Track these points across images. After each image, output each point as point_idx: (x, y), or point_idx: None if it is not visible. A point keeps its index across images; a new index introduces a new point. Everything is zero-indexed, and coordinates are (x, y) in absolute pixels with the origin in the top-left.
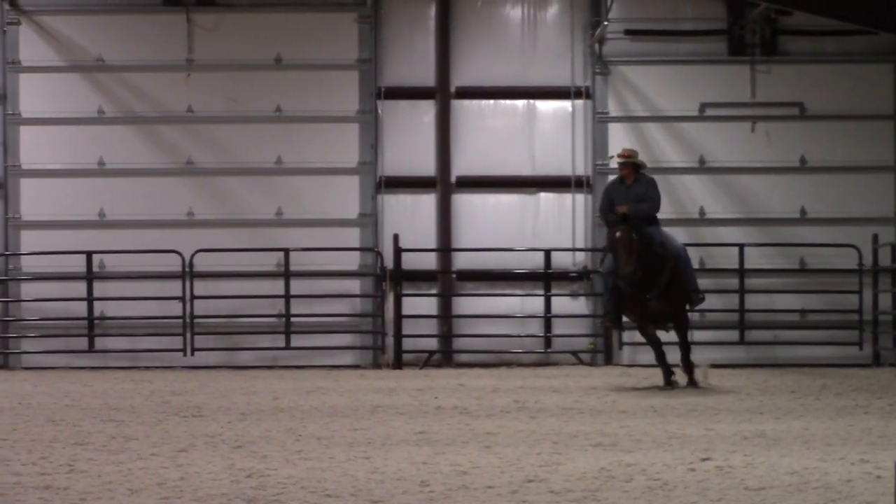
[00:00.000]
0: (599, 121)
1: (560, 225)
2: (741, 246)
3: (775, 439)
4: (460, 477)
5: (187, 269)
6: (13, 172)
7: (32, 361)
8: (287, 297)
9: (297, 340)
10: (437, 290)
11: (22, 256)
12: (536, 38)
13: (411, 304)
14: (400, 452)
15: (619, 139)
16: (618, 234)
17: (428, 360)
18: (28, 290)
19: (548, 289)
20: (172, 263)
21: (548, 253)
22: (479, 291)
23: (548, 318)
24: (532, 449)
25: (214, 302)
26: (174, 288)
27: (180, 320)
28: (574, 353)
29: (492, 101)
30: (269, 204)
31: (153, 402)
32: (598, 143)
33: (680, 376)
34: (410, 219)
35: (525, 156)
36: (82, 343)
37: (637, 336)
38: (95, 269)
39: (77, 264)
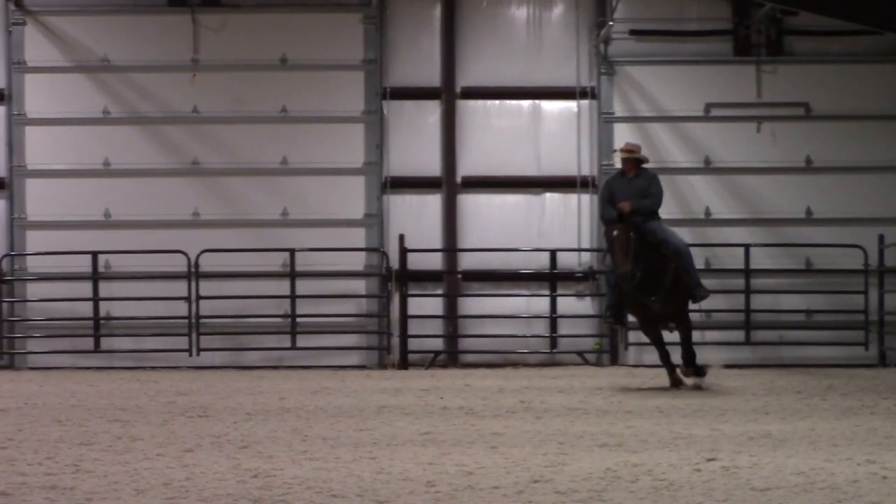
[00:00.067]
0: (605, 121)
1: (566, 225)
2: (747, 246)
3: (781, 440)
4: (466, 477)
5: (193, 270)
6: (19, 173)
7: (38, 361)
8: (293, 297)
9: (302, 341)
10: (442, 290)
11: (27, 257)
12: (542, 39)
13: (417, 305)
14: (406, 453)
15: (624, 139)
16: (615, 232)
17: (433, 361)
18: (33, 290)
19: (553, 289)
20: (178, 264)
21: (553, 253)
22: (484, 292)
23: (553, 318)
24: (538, 449)
25: (220, 302)
26: (180, 288)
27: (186, 320)
28: (580, 353)
29: (497, 102)
30: (275, 204)
31: (159, 403)
32: (604, 144)
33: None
34: (416, 219)
35: (530, 156)
36: (88, 343)
37: (642, 336)
38: (101, 269)
39: (82, 264)
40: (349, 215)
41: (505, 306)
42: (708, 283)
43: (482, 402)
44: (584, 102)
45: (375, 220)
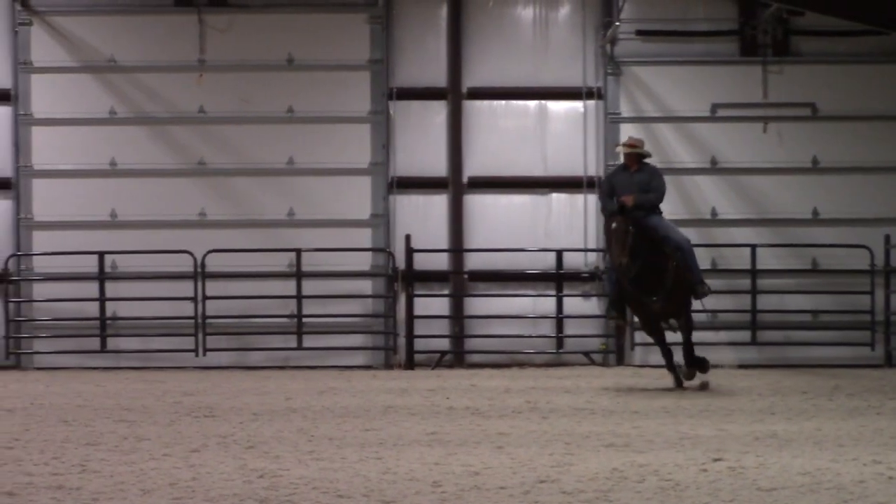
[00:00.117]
0: (611, 121)
1: (572, 225)
2: (753, 246)
3: (787, 440)
4: (472, 477)
5: (199, 270)
6: (25, 173)
7: (44, 362)
8: (299, 297)
9: (308, 341)
10: (448, 290)
11: (34, 257)
12: (548, 39)
13: (423, 305)
14: (412, 453)
15: None
16: (613, 225)
17: (440, 361)
18: (40, 290)
19: (560, 289)
20: (184, 264)
21: (559, 253)
22: (490, 292)
23: (560, 318)
24: (544, 449)
25: (226, 302)
26: (186, 288)
27: (192, 320)
28: (586, 353)
29: (503, 102)
30: (281, 204)
31: (165, 403)
32: (610, 144)
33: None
34: (422, 219)
35: (537, 156)
36: (94, 343)
37: (648, 336)
38: (107, 269)
39: (89, 265)
40: (355, 215)
41: (511, 306)
42: (714, 283)
43: (488, 403)
44: (591, 103)
45: (382, 220)
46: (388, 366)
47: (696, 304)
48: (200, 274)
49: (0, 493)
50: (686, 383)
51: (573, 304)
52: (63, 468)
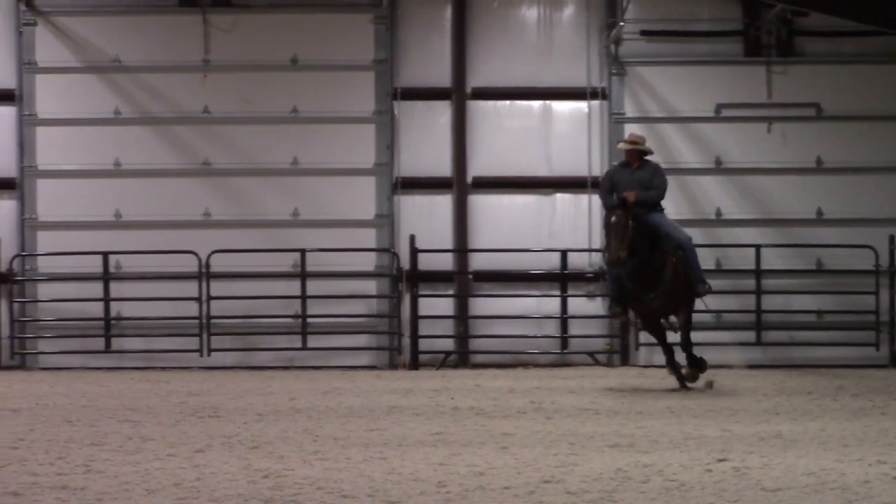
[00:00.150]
0: (615, 121)
1: (576, 225)
2: (757, 247)
3: (792, 440)
4: (477, 478)
5: (203, 270)
6: (29, 173)
7: (49, 362)
8: (303, 297)
9: (313, 341)
10: (453, 290)
11: (38, 257)
12: (552, 39)
13: (428, 305)
14: (416, 453)
15: None
16: (613, 218)
17: (444, 361)
18: (44, 290)
19: (564, 289)
20: (189, 264)
21: (564, 253)
22: (495, 292)
23: (564, 318)
24: (548, 450)
25: (231, 302)
26: (190, 288)
27: (197, 321)
28: (590, 353)
29: (508, 102)
30: (286, 204)
31: (170, 403)
32: (614, 144)
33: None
34: (427, 219)
35: (541, 156)
36: (99, 343)
37: (650, 335)
38: (112, 269)
39: (93, 265)
40: (360, 216)
41: (515, 307)
42: (719, 283)
43: (493, 403)
44: (595, 103)
45: (386, 220)
46: (393, 366)
47: (699, 305)
48: (205, 274)
49: (5, 494)
50: (690, 384)
51: (577, 305)
52: (67, 468)
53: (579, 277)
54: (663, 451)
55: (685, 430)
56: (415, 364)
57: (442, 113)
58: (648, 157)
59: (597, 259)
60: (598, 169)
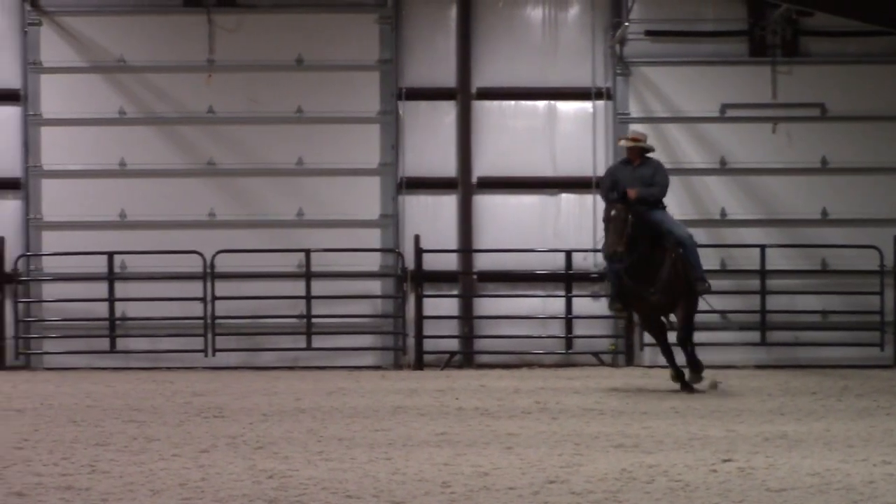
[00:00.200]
0: (620, 121)
1: (581, 226)
2: (762, 247)
3: (797, 441)
4: (482, 478)
5: (208, 270)
6: (34, 173)
7: (54, 362)
8: (308, 297)
9: (318, 341)
10: (458, 290)
11: (43, 257)
12: (557, 39)
13: (432, 305)
14: (421, 453)
15: None
16: (612, 212)
17: (449, 361)
18: (49, 290)
19: (569, 290)
20: (194, 264)
21: (569, 254)
22: (500, 292)
23: (569, 318)
24: (553, 450)
25: (236, 303)
26: (195, 289)
27: (202, 321)
28: (595, 354)
29: (513, 102)
30: (291, 204)
31: (175, 403)
32: (618, 144)
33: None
34: (431, 220)
35: (546, 156)
36: (104, 344)
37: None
38: (117, 269)
39: (98, 265)
40: (365, 216)
41: (520, 307)
42: (723, 283)
43: (498, 403)
44: (600, 103)
45: (391, 220)
46: (398, 366)
47: (704, 305)
48: (210, 274)
49: (10, 494)
50: (694, 386)
51: (582, 305)
52: (72, 468)
53: (584, 278)
54: (668, 452)
55: (690, 430)
56: (419, 364)
57: (447, 113)
58: (650, 155)
59: (601, 259)
60: (603, 169)
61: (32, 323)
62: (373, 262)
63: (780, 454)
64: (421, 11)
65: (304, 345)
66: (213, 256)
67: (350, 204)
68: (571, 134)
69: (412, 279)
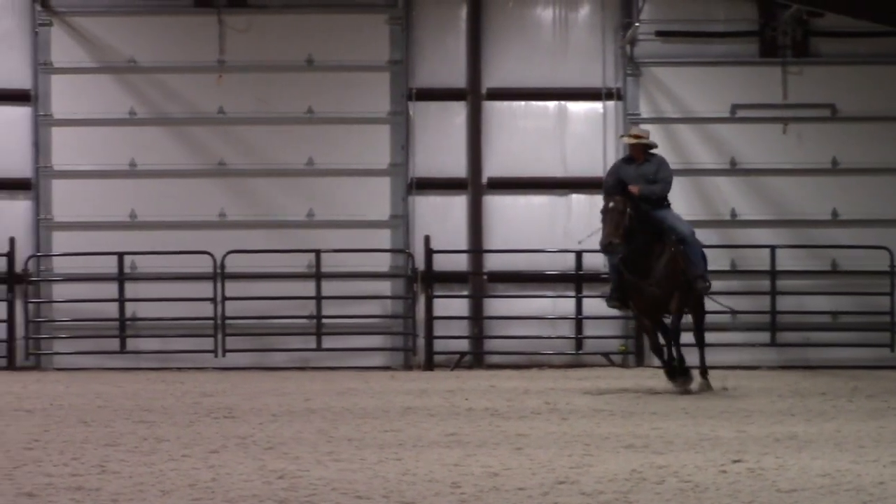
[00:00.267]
0: (631, 122)
1: (591, 226)
2: (773, 248)
3: (807, 441)
4: (491, 479)
5: (219, 271)
6: (45, 173)
7: (64, 362)
8: (318, 298)
9: (328, 342)
10: (468, 291)
11: (53, 257)
12: (568, 40)
13: (442, 306)
14: (431, 454)
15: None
16: (610, 204)
17: (459, 362)
18: (59, 291)
19: (579, 290)
20: (204, 264)
21: (579, 254)
22: (510, 293)
23: (579, 319)
24: (563, 451)
25: (246, 303)
26: (205, 289)
27: (212, 321)
28: (605, 354)
29: (523, 103)
30: (301, 205)
31: (185, 404)
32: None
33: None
34: (442, 220)
35: (556, 157)
36: (114, 344)
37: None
38: (127, 270)
39: (108, 265)
40: (375, 216)
41: (530, 307)
42: (733, 284)
43: (507, 404)
44: (610, 103)
45: (401, 221)
46: (408, 367)
47: (715, 306)
48: (220, 275)
49: (20, 494)
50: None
51: (592, 306)
52: (82, 469)
53: (594, 278)
54: (678, 452)
55: (700, 431)
56: (429, 365)
57: (457, 113)
58: (654, 151)
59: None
60: None
61: (43, 323)
62: (383, 262)
63: (790, 455)
64: (431, 12)
65: (314, 345)
66: (224, 257)
67: (360, 204)
68: (582, 134)
69: (422, 280)
